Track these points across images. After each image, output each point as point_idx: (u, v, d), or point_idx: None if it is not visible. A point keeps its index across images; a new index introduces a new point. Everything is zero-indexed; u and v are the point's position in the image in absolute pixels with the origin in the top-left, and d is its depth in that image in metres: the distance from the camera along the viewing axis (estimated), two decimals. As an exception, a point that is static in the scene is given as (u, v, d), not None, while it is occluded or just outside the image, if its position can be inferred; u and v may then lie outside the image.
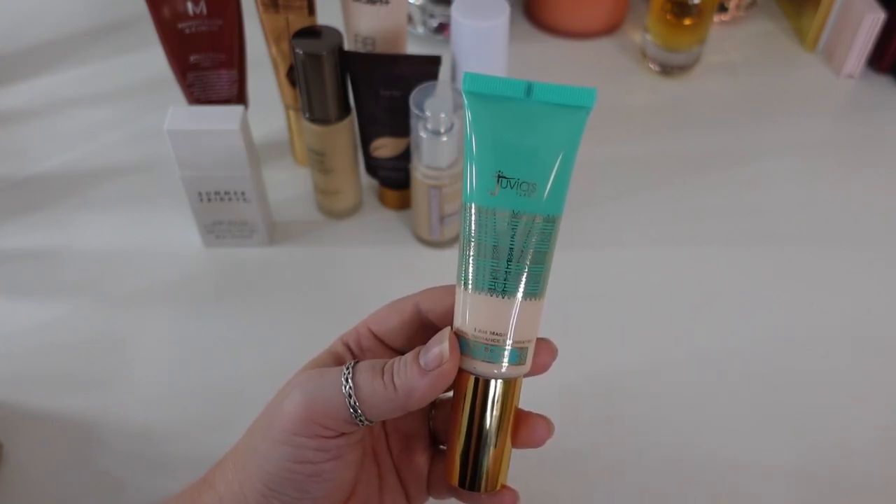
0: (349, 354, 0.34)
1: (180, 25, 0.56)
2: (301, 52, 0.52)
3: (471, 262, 0.29)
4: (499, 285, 0.29)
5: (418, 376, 0.29)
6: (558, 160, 0.29)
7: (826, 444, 0.50)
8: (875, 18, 0.70)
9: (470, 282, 0.30)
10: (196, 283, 0.59)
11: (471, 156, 0.29)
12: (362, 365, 0.31)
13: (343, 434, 0.31)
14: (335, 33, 0.53)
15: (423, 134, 0.53)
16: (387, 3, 0.55)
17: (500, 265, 0.29)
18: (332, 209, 0.62)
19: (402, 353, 0.32)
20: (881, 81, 0.75)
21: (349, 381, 0.30)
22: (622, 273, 0.59)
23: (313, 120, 0.56)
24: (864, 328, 0.56)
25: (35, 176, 0.67)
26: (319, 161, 0.58)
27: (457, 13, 0.53)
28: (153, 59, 0.61)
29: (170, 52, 0.57)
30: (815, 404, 0.52)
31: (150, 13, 0.55)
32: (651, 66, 0.76)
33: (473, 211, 0.29)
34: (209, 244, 0.60)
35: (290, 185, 0.65)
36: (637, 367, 0.53)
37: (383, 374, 0.30)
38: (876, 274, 0.60)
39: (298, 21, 0.56)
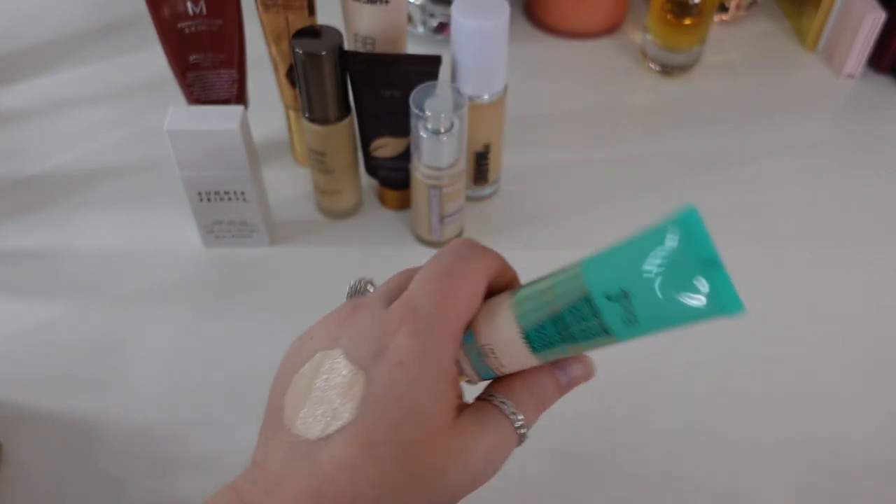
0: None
1: (180, 25, 0.56)
2: (301, 52, 0.52)
3: (538, 306, 0.29)
4: (536, 341, 0.29)
5: (557, 394, 0.31)
6: (672, 323, 0.28)
7: (826, 443, 0.50)
8: (875, 18, 0.70)
9: (522, 315, 0.29)
10: (196, 283, 0.59)
11: (626, 255, 0.28)
12: (529, 409, 0.31)
13: None
14: (335, 33, 0.53)
15: (423, 134, 0.53)
16: (387, 2, 0.55)
17: (554, 335, 0.29)
18: (332, 209, 0.62)
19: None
20: (881, 81, 0.75)
21: (522, 427, 0.30)
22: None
23: (313, 120, 0.56)
24: (864, 328, 0.56)
25: (35, 176, 0.67)
26: (319, 161, 0.58)
27: (457, 13, 0.53)
28: (153, 59, 0.61)
29: (170, 52, 0.57)
30: (814, 404, 0.52)
31: (150, 13, 0.55)
32: (651, 66, 0.76)
33: (582, 287, 0.28)
34: (209, 244, 0.60)
35: (290, 185, 0.65)
36: (637, 366, 0.53)
37: (541, 406, 0.31)
38: (876, 274, 0.59)
39: (298, 21, 0.56)
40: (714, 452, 0.49)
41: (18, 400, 0.52)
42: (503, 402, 0.30)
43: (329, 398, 0.28)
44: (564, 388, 0.32)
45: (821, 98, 0.74)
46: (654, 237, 0.27)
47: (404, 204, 0.63)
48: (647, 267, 0.27)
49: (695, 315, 0.27)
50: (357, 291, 0.34)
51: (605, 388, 0.52)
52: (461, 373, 0.31)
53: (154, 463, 0.49)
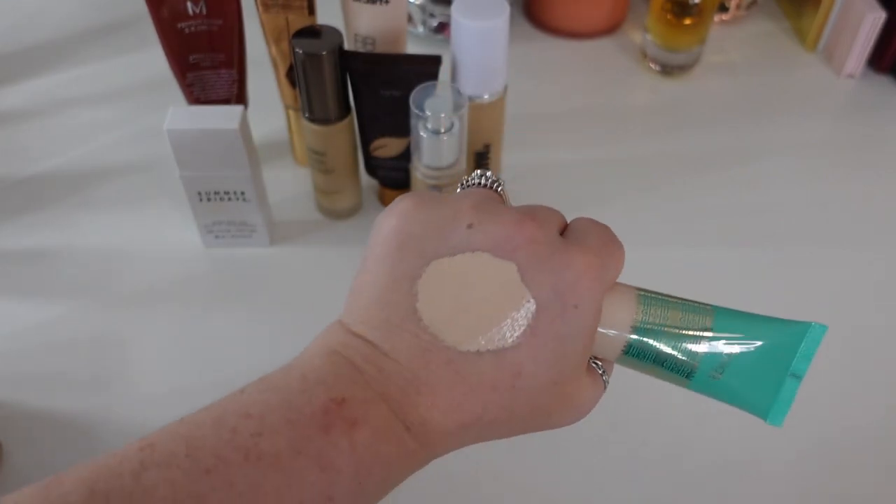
0: None
1: (180, 25, 0.56)
2: (301, 52, 0.52)
3: (660, 325, 0.29)
4: (633, 349, 0.29)
5: None
6: (739, 399, 0.30)
7: (826, 443, 0.50)
8: (875, 18, 0.70)
9: (642, 323, 0.29)
10: (196, 283, 0.59)
11: (752, 326, 0.30)
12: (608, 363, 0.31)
13: None
14: (335, 33, 0.53)
15: (423, 134, 0.53)
16: (387, 2, 0.55)
17: (651, 350, 0.29)
18: (332, 209, 0.62)
19: None
20: (881, 81, 0.75)
21: (607, 378, 0.31)
22: (622, 273, 0.59)
23: (313, 120, 0.56)
24: (864, 328, 0.56)
25: (35, 176, 0.67)
26: (319, 161, 0.58)
27: (457, 13, 0.53)
28: (153, 59, 0.61)
29: (170, 52, 0.57)
30: (814, 404, 0.52)
31: (150, 13, 0.55)
32: (651, 66, 0.76)
33: (704, 329, 0.29)
34: (209, 244, 0.60)
35: (290, 185, 0.65)
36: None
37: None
38: (876, 274, 0.59)
39: (298, 21, 0.56)
40: (714, 453, 0.49)
41: (18, 400, 0.52)
42: (595, 362, 0.30)
43: (490, 314, 0.26)
44: None
45: (821, 98, 0.74)
46: (784, 328, 0.30)
47: (404, 204, 0.62)
48: (763, 339, 0.29)
49: (752, 405, 0.29)
50: (484, 186, 0.31)
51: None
52: None
53: (154, 463, 0.48)
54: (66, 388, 0.52)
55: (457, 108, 0.53)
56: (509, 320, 0.26)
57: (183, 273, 0.59)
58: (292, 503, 0.23)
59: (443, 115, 0.52)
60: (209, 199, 0.57)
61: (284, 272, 0.59)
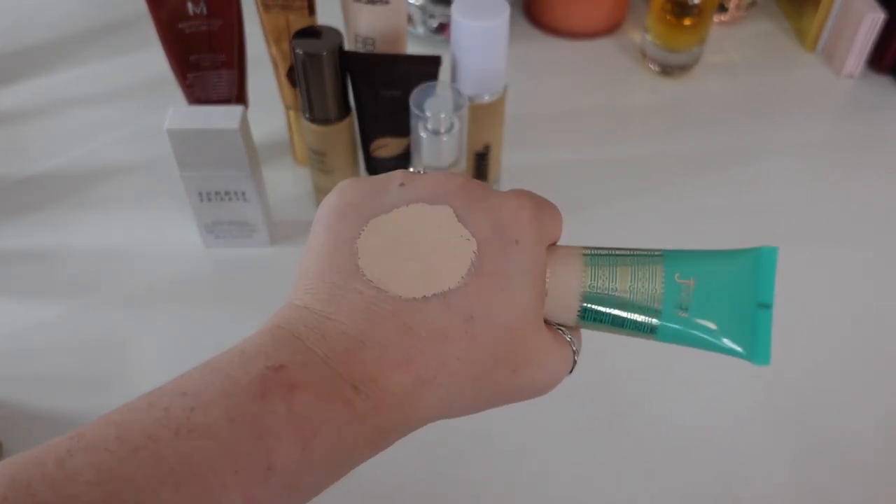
0: None
1: (180, 25, 0.56)
2: (301, 52, 0.52)
3: (608, 276, 0.29)
4: (588, 300, 0.29)
5: None
6: (710, 332, 0.29)
7: (827, 443, 0.50)
8: (875, 18, 0.70)
9: (591, 276, 0.29)
10: (196, 283, 0.59)
11: (707, 252, 0.29)
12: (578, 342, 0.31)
13: None
14: (335, 33, 0.53)
15: (423, 134, 0.53)
16: (387, 3, 0.55)
17: (607, 301, 0.29)
18: (332, 209, 0.62)
19: None
20: (881, 81, 0.75)
21: (576, 354, 0.30)
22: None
23: (313, 120, 0.56)
24: (864, 328, 0.56)
25: (35, 176, 0.67)
26: (319, 161, 0.58)
27: (457, 13, 0.53)
28: (153, 59, 0.61)
29: (170, 52, 0.57)
30: (814, 404, 0.52)
31: (150, 13, 0.55)
32: (651, 66, 0.76)
33: (655, 265, 0.29)
34: (209, 244, 0.60)
35: (290, 185, 0.65)
36: (636, 366, 0.53)
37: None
38: (876, 274, 0.60)
39: (298, 21, 0.56)
40: (714, 452, 0.49)
41: (18, 400, 0.52)
42: (560, 328, 0.29)
43: (431, 258, 0.26)
44: None
45: (821, 98, 0.74)
46: (735, 256, 0.29)
47: (404, 204, 0.62)
48: (717, 269, 0.29)
49: (730, 345, 0.29)
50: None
51: (603, 389, 0.52)
52: None
53: (154, 463, 0.48)
54: (66, 388, 0.52)
55: (457, 108, 0.53)
56: (452, 260, 0.26)
57: (183, 273, 0.59)
58: (227, 473, 0.22)
59: (443, 116, 0.52)
60: (209, 199, 0.57)
61: (284, 272, 0.59)
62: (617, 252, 0.29)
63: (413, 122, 0.54)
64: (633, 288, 0.28)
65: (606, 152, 0.69)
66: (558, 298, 0.28)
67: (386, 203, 0.27)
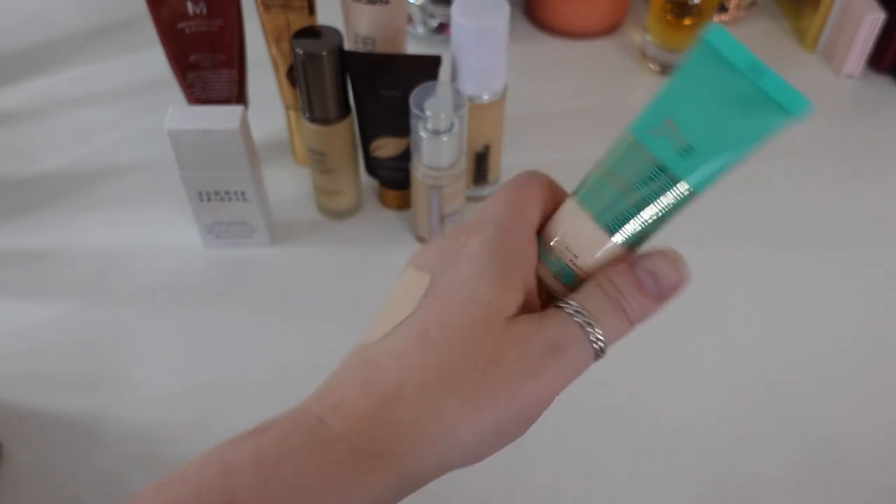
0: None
1: (180, 25, 0.56)
2: (301, 52, 0.52)
3: (598, 181, 0.29)
4: (606, 218, 0.28)
5: (654, 304, 0.28)
6: (731, 146, 0.27)
7: (827, 443, 0.50)
8: (875, 18, 0.70)
9: (584, 197, 0.29)
10: (196, 283, 0.59)
11: (660, 92, 0.28)
12: (599, 310, 0.27)
13: None
14: (335, 33, 0.53)
15: (423, 134, 0.53)
16: (387, 3, 0.55)
17: (620, 203, 0.28)
18: (333, 209, 0.62)
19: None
20: (881, 81, 0.75)
21: (603, 346, 0.27)
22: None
23: (313, 120, 0.56)
24: (864, 328, 0.56)
25: (35, 176, 0.67)
26: (319, 161, 0.58)
27: (457, 13, 0.53)
28: (153, 59, 0.61)
29: (170, 52, 0.57)
30: (814, 404, 0.52)
31: (150, 13, 0.55)
32: (651, 66, 0.76)
33: (627, 137, 0.28)
34: (209, 244, 0.60)
35: (290, 185, 0.65)
36: (636, 366, 0.53)
37: (625, 313, 0.28)
38: (876, 274, 0.59)
39: (298, 21, 0.56)
40: (714, 453, 0.49)
41: (18, 400, 0.52)
42: (569, 304, 0.27)
43: (393, 306, 0.28)
44: (652, 293, 0.28)
45: (820, 98, 0.74)
46: (688, 69, 0.27)
47: (404, 204, 0.63)
48: (681, 90, 0.27)
49: (754, 125, 0.26)
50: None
51: (603, 389, 0.52)
52: (543, 286, 0.30)
53: (154, 463, 0.49)
54: (66, 388, 0.52)
55: (457, 108, 0.53)
56: (409, 297, 0.27)
57: (183, 273, 0.59)
58: None
59: (443, 116, 0.52)
60: (209, 199, 0.57)
61: (284, 272, 0.59)
62: (597, 170, 0.29)
63: (413, 122, 0.54)
64: (629, 175, 0.28)
65: (606, 152, 0.69)
66: (585, 247, 0.28)
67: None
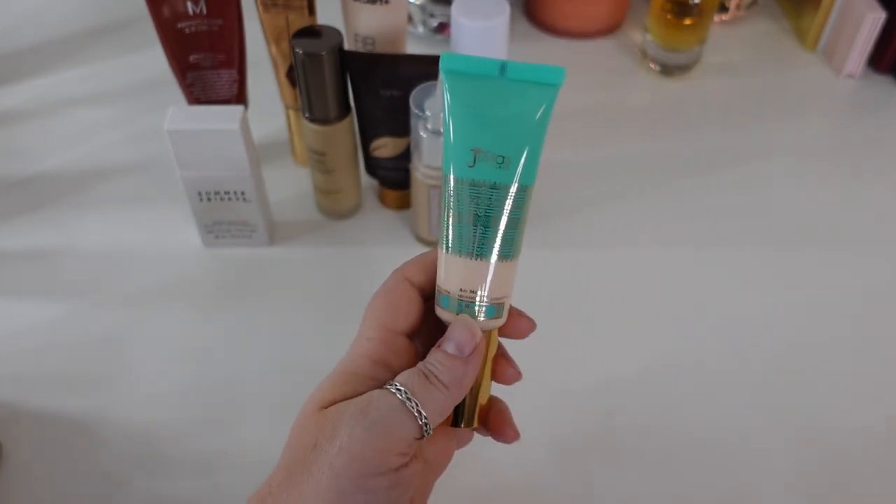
0: (376, 365, 0.32)
1: (180, 25, 0.56)
2: (301, 52, 0.52)
3: (450, 228, 0.32)
4: (476, 249, 0.32)
5: (461, 365, 0.31)
6: (531, 134, 0.31)
7: (828, 443, 0.50)
8: (875, 18, 0.70)
9: (450, 246, 0.32)
10: (196, 283, 0.59)
11: (448, 130, 0.31)
12: (409, 380, 0.30)
13: (413, 457, 0.30)
14: (335, 33, 0.53)
15: (423, 134, 0.53)
16: (387, 2, 0.55)
17: (476, 231, 0.31)
18: (333, 209, 0.62)
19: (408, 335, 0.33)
20: (881, 81, 0.75)
21: (411, 398, 0.30)
22: (621, 273, 0.59)
23: (313, 120, 0.56)
24: (864, 328, 0.56)
25: (35, 176, 0.67)
26: (319, 161, 0.58)
27: (457, 13, 0.53)
28: (153, 59, 0.61)
29: (170, 52, 0.57)
30: (815, 404, 0.52)
31: (150, 13, 0.55)
32: (651, 66, 0.76)
33: (452, 182, 0.31)
34: (209, 244, 0.60)
35: (290, 185, 0.65)
36: (636, 366, 0.53)
37: (427, 378, 0.30)
38: (876, 274, 0.59)
39: (298, 21, 0.56)
40: (714, 453, 0.49)
41: (18, 400, 0.52)
42: (391, 384, 0.30)
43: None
44: (453, 353, 0.31)
45: (821, 98, 0.74)
46: (452, 99, 0.31)
47: (404, 204, 0.63)
48: (467, 119, 0.31)
49: (533, 110, 0.31)
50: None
51: (604, 389, 0.52)
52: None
53: (154, 463, 0.49)
54: (66, 388, 0.52)
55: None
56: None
57: (183, 273, 0.59)
58: None
59: (443, 115, 0.52)
60: (209, 199, 0.57)
61: (284, 272, 0.59)
62: (443, 220, 0.32)
63: (413, 122, 0.54)
64: (470, 206, 0.31)
65: (606, 152, 0.69)
66: (473, 278, 0.32)
67: None
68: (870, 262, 0.60)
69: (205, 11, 0.56)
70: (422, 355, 0.32)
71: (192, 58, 0.58)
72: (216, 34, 0.57)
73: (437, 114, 0.52)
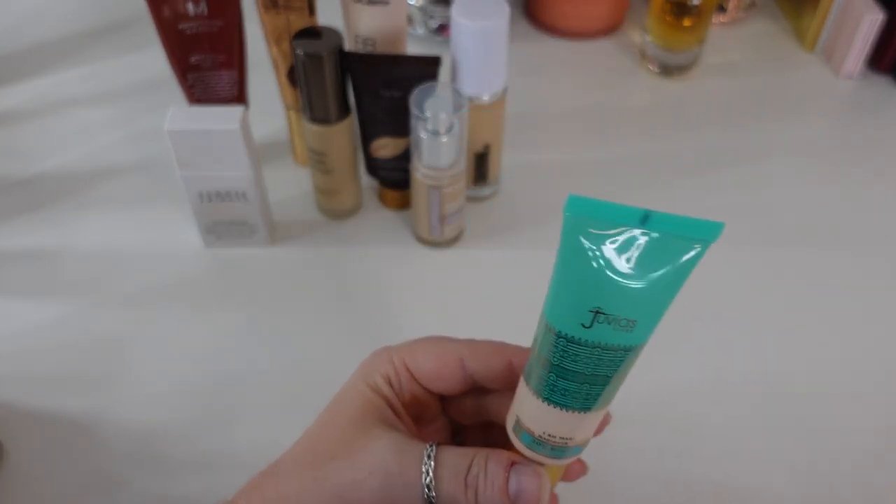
0: (391, 393, 0.33)
1: (181, 26, 0.56)
2: (301, 53, 0.52)
3: (551, 381, 0.28)
4: (575, 404, 0.28)
5: (498, 495, 0.29)
6: (665, 298, 0.26)
7: (827, 442, 0.50)
8: (874, 19, 0.70)
9: (544, 395, 0.28)
10: (196, 283, 0.59)
11: (564, 281, 0.26)
12: (446, 463, 0.30)
13: None
14: (335, 34, 0.53)
15: (423, 134, 0.53)
16: (387, 3, 0.55)
17: (582, 388, 0.28)
18: (333, 209, 0.62)
19: (439, 395, 0.34)
20: (881, 81, 0.75)
21: (430, 473, 0.29)
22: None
23: (314, 120, 0.56)
24: (864, 329, 0.56)
25: (35, 176, 0.67)
26: (320, 161, 0.58)
27: (457, 13, 0.53)
28: (153, 59, 0.61)
29: (170, 52, 0.57)
30: (815, 404, 0.52)
31: (151, 13, 0.55)
32: (651, 66, 0.76)
33: (561, 340, 0.27)
34: (209, 244, 0.60)
35: (290, 185, 0.65)
36: (635, 366, 0.53)
37: (466, 486, 0.29)
38: (876, 274, 0.60)
39: (299, 21, 0.56)
40: (714, 452, 0.49)
41: (18, 400, 0.52)
42: (428, 448, 0.30)
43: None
44: (511, 496, 0.30)
45: (820, 98, 0.75)
46: (573, 249, 0.26)
47: (404, 204, 0.63)
48: (590, 276, 0.25)
49: (676, 268, 0.25)
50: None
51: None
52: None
53: (154, 463, 0.49)
54: (66, 388, 0.52)
55: (457, 108, 0.53)
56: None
57: (183, 273, 0.59)
58: None
59: (443, 116, 0.52)
60: (209, 200, 0.57)
61: (284, 272, 0.59)
62: (544, 371, 0.28)
63: (413, 122, 0.54)
64: (585, 367, 0.27)
65: (606, 152, 0.69)
66: (533, 412, 0.30)
67: None
68: (870, 262, 0.60)
69: (205, 12, 0.56)
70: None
71: (192, 58, 0.58)
72: (217, 35, 0.57)
73: (437, 114, 0.52)
